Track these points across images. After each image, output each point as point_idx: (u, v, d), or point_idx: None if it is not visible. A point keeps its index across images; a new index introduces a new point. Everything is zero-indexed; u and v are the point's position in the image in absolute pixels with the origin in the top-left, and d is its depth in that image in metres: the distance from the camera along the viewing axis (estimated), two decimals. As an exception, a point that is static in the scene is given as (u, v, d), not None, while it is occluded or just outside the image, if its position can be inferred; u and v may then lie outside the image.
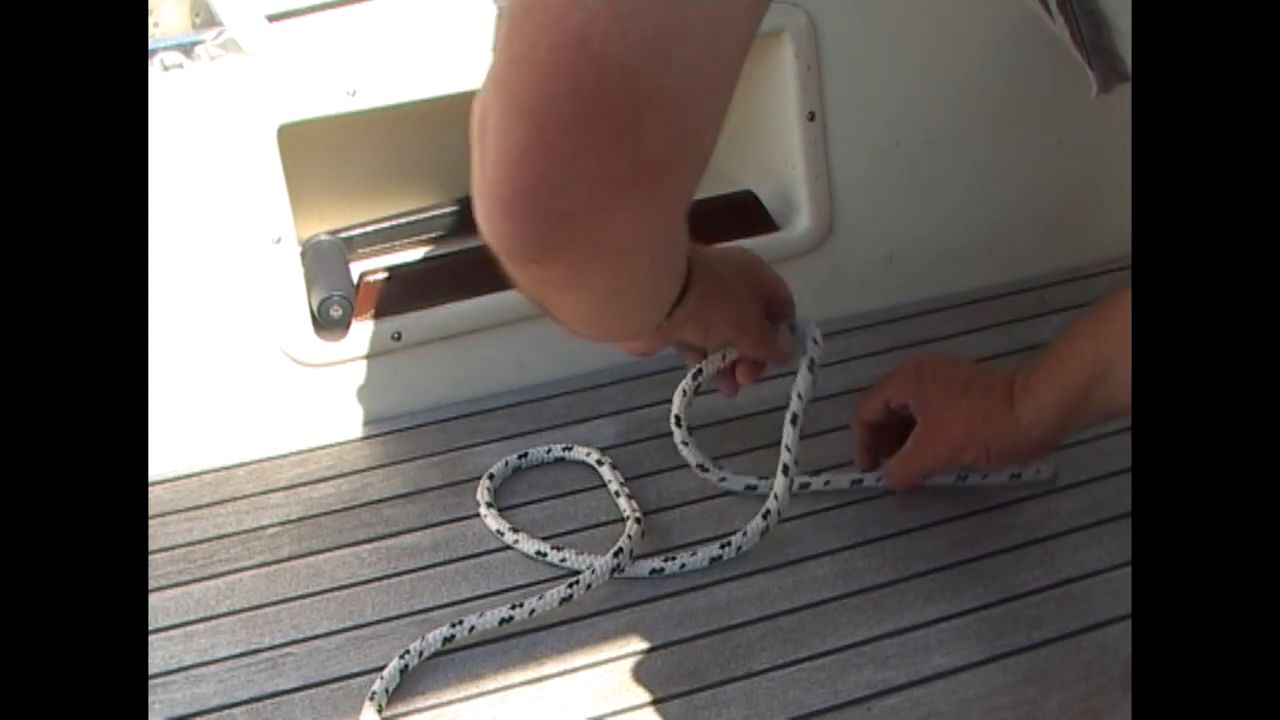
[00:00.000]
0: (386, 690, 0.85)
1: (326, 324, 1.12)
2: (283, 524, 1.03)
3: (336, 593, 0.95)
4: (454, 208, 1.22)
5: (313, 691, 0.86)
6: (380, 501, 1.05)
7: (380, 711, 0.84)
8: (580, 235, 0.59)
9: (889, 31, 1.22)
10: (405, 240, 1.20)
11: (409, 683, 0.86)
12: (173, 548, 1.01)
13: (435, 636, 0.88)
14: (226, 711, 0.85)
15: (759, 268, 0.98)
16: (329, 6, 1.16)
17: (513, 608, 0.89)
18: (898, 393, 0.98)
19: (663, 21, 0.54)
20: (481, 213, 0.59)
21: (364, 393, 1.15)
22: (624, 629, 0.90)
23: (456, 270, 1.17)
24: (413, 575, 0.96)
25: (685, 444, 1.03)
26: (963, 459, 0.96)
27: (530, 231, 0.58)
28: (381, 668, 0.87)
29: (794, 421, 0.95)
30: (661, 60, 0.55)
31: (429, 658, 0.88)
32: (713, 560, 0.94)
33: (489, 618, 0.89)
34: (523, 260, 0.61)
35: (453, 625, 0.89)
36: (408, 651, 0.87)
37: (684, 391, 1.02)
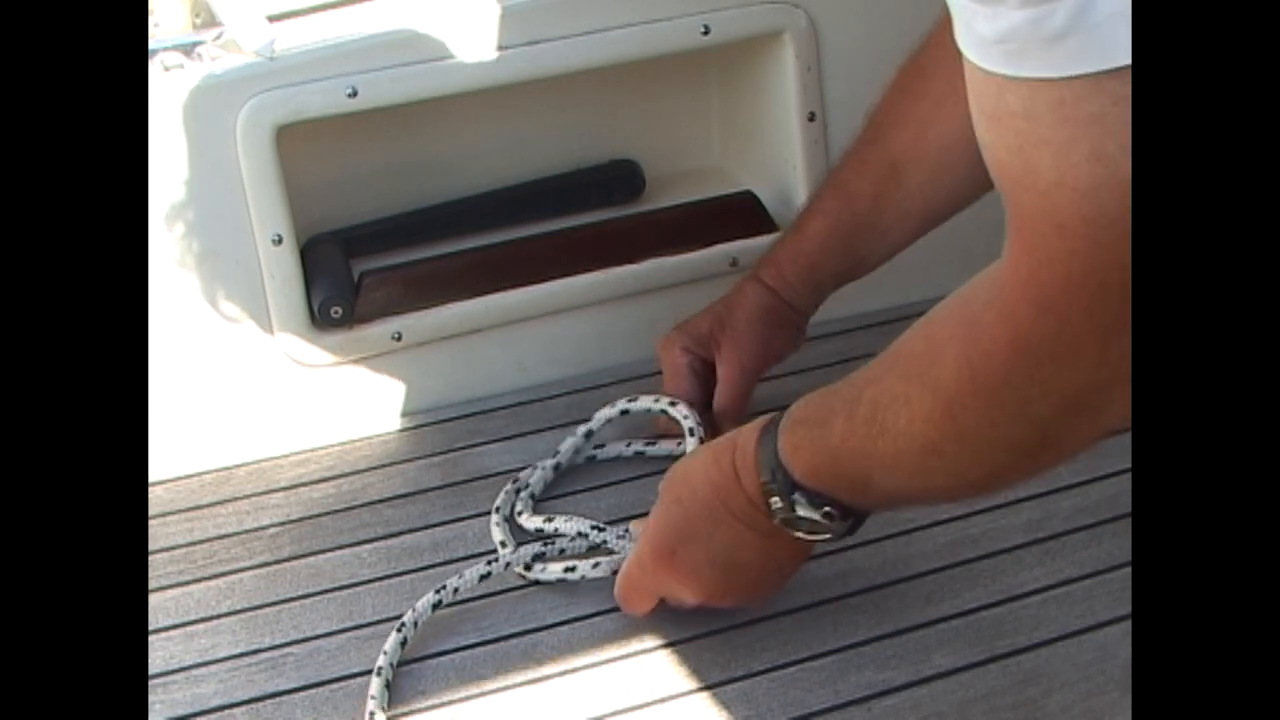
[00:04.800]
0: (392, 665, 0.86)
1: (326, 324, 1.12)
2: (283, 524, 1.03)
3: (336, 593, 0.95)
4: (454, 208, 1.22)
5: (313, 691, 0.87)
6: (380, 501, 1.05)
7: (389, 686, 0.85)
8: None
9: (889, 31, 1.22)
10: (405, 240, 1.20)
11: (409, 682, 0.86)
12: (173, 548, 1.01)
13: (424, 603, 0.90)
14: (226, 711, 0.85)
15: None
16: (329, 6, 1.15)
17: (489, 563, 0.92)
18: (671, 347, 1.08)
19: None
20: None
21: (364, 393, 1.15)
22: (624, 629, 0.90)
23: (456, 270, 1.17)
24: (413, 575, 0.96)
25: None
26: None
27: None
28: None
29: None
30: None
31: (427, 623, 0.90)
32: None
33: (469, 576, 0.92)
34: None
35: (436, 591, 0.91)
36: (403, 624, 0.89)
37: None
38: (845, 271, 1.06)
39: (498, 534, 0.99)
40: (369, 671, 0.87)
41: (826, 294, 1.07)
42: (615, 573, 0.91)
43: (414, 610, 0.90)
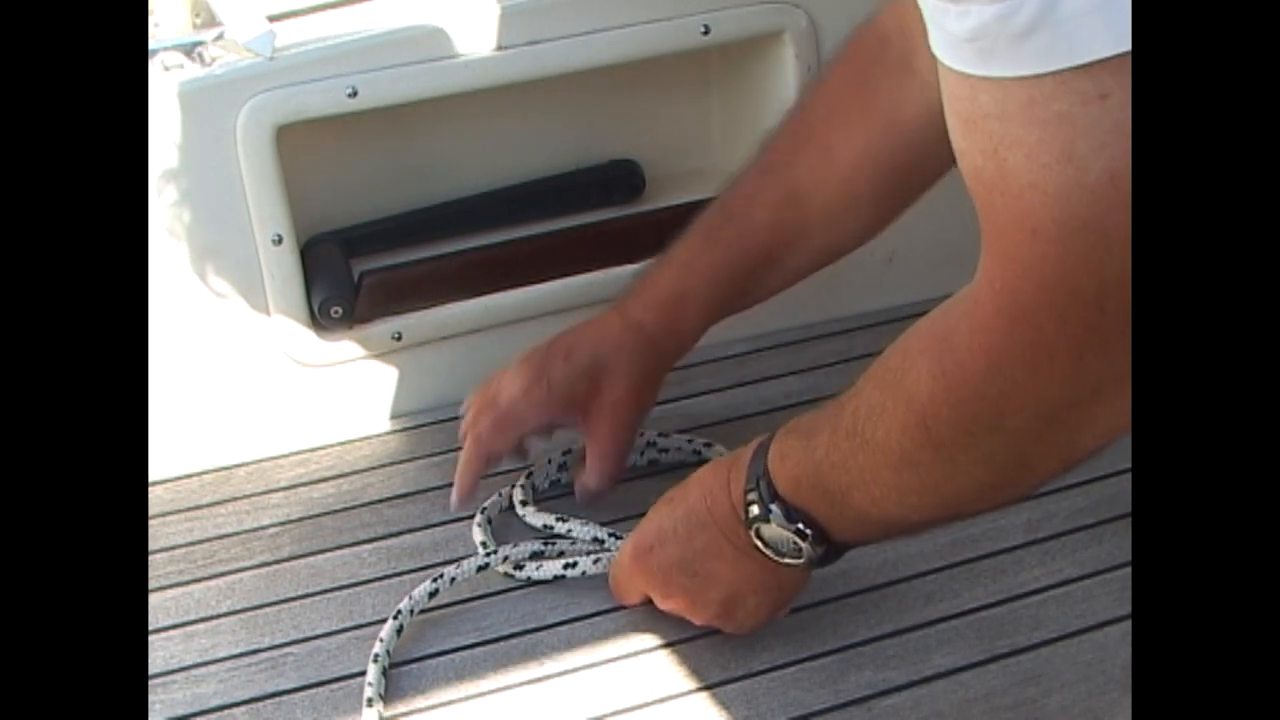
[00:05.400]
0: (388, 652, 0.87)
1: (326, 324, 1.12)
2: (283, 524, 1.03)
3: (336, 593, 0.95)
4: (454, 208, 1.22)
5: (313, 691, 0.86)
6: (380, 501, 1.06)
7: (385, 674, 0.85)
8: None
9: (889, 31, 1.22)
10: (405, 240, 1.20)
11: (408, 682, 0.86)
12: (173, 548, 1.01)
13: (421, 592, 0.90)
14: (226, 711, 0.85)
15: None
16: (329, 6, 1.15)
17: (487, 555, 0.93)
18: (536, 416, 0.99)
19: None
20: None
21: (364, 393, 1.15)
22: (624, 629, 0.90)
23: (456, 270, 1.17)
24: (413, 575, 0.96)
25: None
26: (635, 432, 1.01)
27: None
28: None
29: None
30: None
31: (421, 612, 0.90)
32: None
33: (466, 566, 0.92)
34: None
35: (434, 581, 0.91)
36: (399, 612, 0.89)
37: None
38: (736, 307, 1.01)
39: (479, 534, 0.98)
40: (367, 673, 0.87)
41: (707, 328, 1.01)
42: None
43: (410, 598, 0.90)
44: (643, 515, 0.89)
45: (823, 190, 0.94)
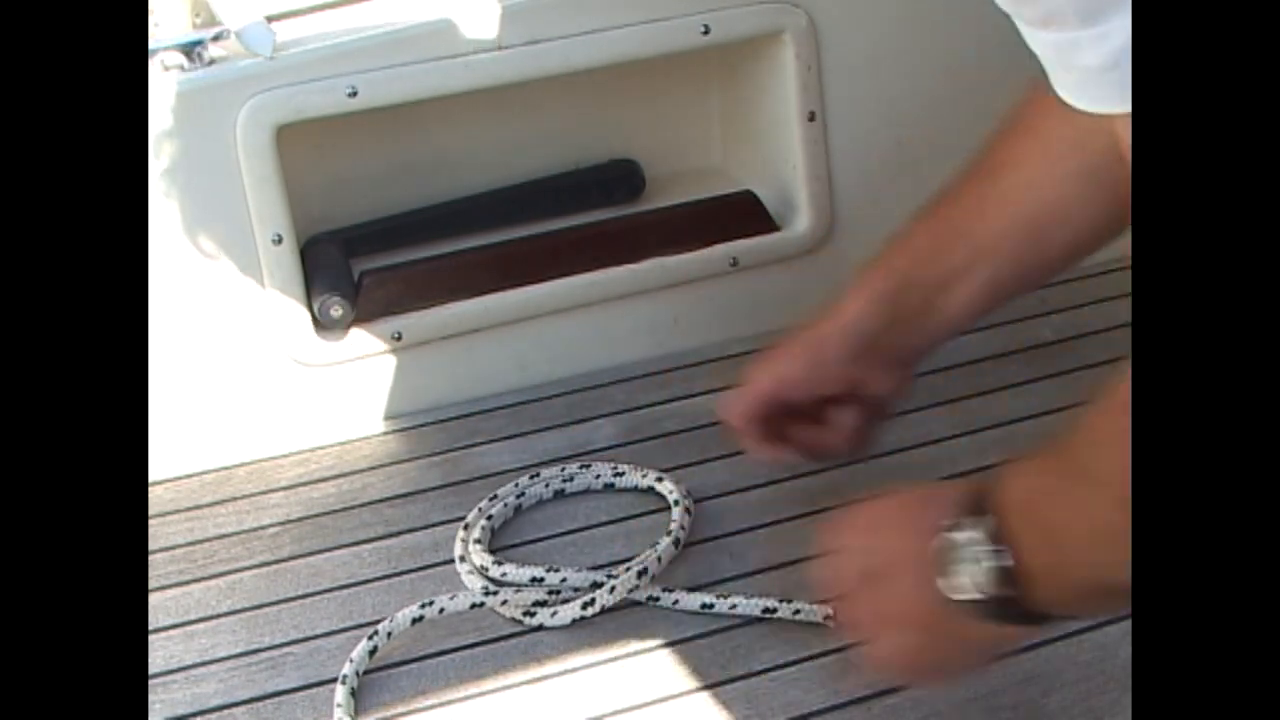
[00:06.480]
0: (357, 673, 0.86)
1: (327, 324, 1.12)
2: (283, 524, 1.04)
3: (336, 593, 0.95)
4: (454, 208, 1.22)
5: (313, 691, 0.86)
6: (380, 501, 1.06)
7: (354, 694, 0.84)
8: None
9: (889, 31, 1.22)
10: (405, 240, 1.20)
11: (408, 682, 0.86)
12: (173, 548, 1.01)
13: (404, 615, 0.89)
14: (227, 711, 0.86)
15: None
16: (329, 6, 1.16)
17: (486, 593, 0.90)
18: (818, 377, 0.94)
19: None
20: None
21: (364, 393, 1.15)
22: (624, 629, 0.90)
23: (456, 270, 1.17)
24: (413, 575, 0.96)
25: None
26: None
27: None
28: (381, 668, 0.87)
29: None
30: None
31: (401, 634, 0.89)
32: (765, 611, 0.89)
33: (460, 600, 0.90)
34: None
35: (422, 606, 0.89)
36: (375, 633, 0.88)
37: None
38: (936, 283, 0.91)
39: (475, 582, 0.94)
40: (369, 671, 0.87)
41: (914, 312, 0.92)
42: (632, 591, 0.90)
43: (391, 620, 0.88)
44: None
45: (1025, 163, 0.88)
